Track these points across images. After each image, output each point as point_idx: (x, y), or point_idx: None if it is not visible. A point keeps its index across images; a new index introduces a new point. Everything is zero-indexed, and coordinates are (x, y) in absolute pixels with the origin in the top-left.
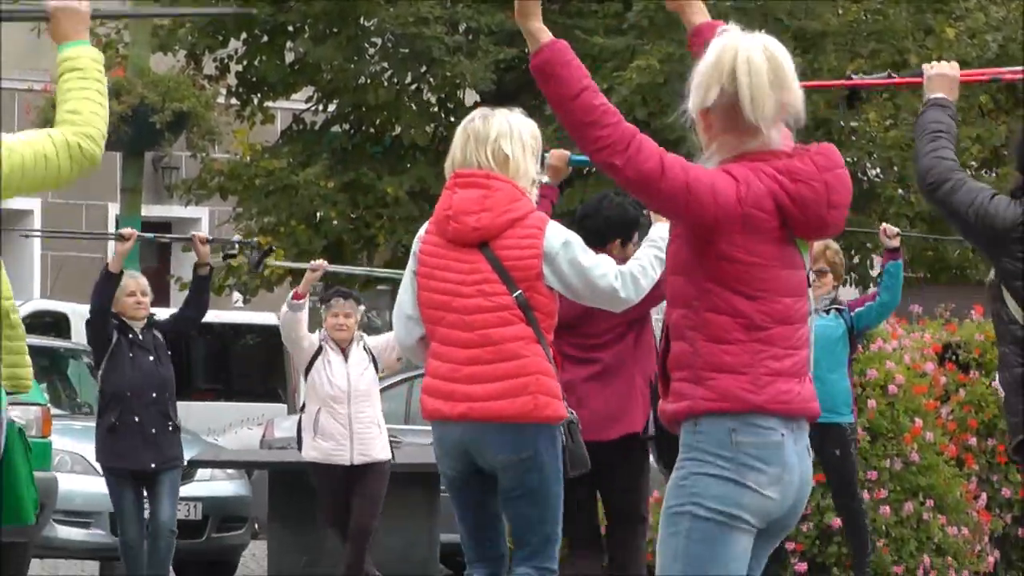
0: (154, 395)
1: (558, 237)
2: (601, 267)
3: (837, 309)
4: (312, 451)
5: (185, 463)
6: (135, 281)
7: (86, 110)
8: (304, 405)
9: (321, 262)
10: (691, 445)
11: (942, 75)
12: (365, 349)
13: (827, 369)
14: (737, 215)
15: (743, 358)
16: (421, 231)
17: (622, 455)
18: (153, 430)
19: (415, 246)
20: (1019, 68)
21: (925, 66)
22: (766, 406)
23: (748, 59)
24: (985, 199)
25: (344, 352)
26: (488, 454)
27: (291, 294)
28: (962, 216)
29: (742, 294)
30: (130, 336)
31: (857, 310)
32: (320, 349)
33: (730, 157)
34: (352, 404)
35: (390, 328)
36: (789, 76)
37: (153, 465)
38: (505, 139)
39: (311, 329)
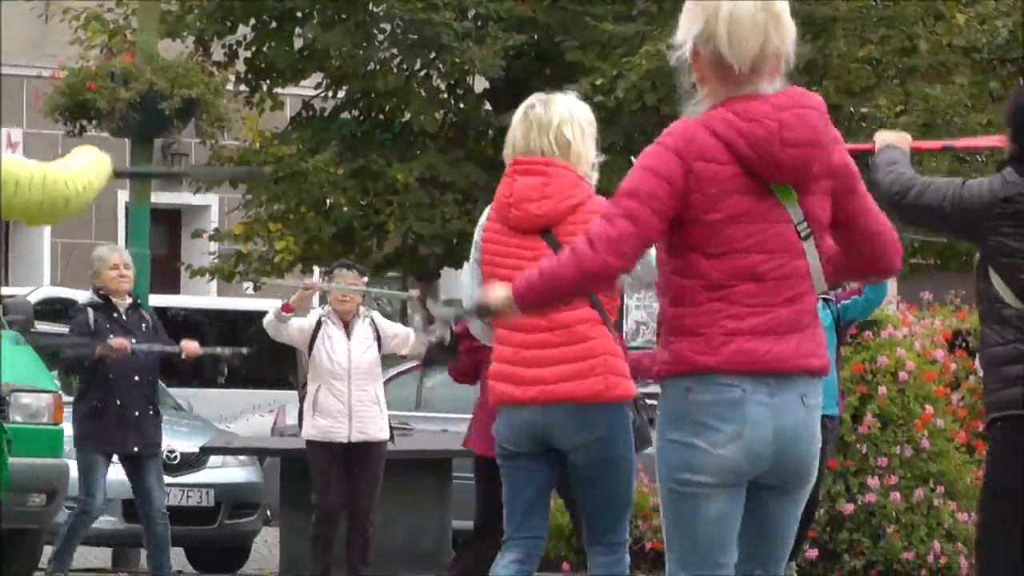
0: (136, 378)
1: None
2: None
3: (824, 299)
4: (310, 429)
5: (191, 451)
6: (118, 255)
7: (82, 168)
8: (309, 383)
9: (315, 281)
10: (659, 408)
11: (892, 134)
12: (372, 325)
13: None
14: (685, 173)
15: (700, 319)
16: (482, 219)
17: None
18: (136, 413)
19: (477, 235)
20: (972, 139)
21: (876, 135)
22: (721, 367)
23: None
24: (958, 187)
25: (347, 327)
26: (561, 435)
27: (280, 305)
28: (937, 211)
29: (703, 253)
30: (115, 315)
31: (843, 302)
32: (319, 325)
33: (718, 103)
34: (352, 381)
35: (400, 315)
36: (781, 17)
37: (136, 449)
38: (567, 125)
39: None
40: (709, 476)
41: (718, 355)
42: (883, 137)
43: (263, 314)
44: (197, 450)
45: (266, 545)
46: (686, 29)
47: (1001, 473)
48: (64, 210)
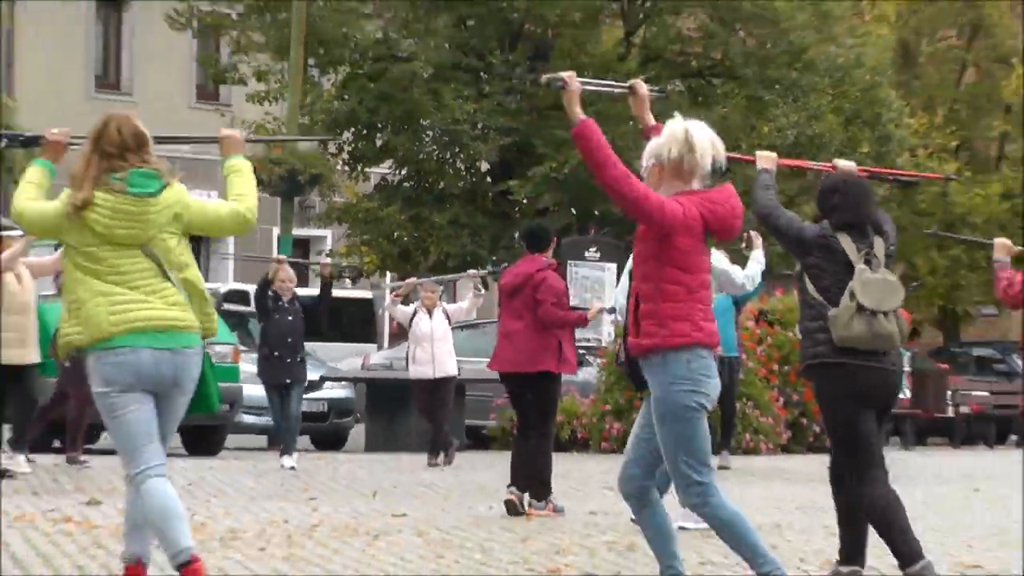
0: (290, 341)
1: None
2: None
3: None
4: (412, 371)
5: (314, 379)
6: (285, 271)
7: (247, 193)
8: (409, 344)
9: (411, 280)
10: (657, 374)
11: (767, 154)
12: (444, 311)
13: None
14: (683, 223)
15: (684, 308)
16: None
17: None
18: (288, 360)
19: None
20: (823, 163)
21: (758, 152)
22: (702, 340)
23: (696, 134)
24: (799, 223)
25: (430, 312)
26: None
27: (392, 294)
28: (785, 231)
29: (683, 270)
30: (280, 303)
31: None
32: (415, 312)
33: (673, 195)
34: (434, 342)
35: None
36: (716, 146)
37: (288, 380)
38: None
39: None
40: (707, 404)
41: (700, 332)
42: (761, 155)
43: (356, 300)
44: (318, 378)
45: (355, 436)
46: (662, 151)
47: (826, 397)
48: (238, 225)
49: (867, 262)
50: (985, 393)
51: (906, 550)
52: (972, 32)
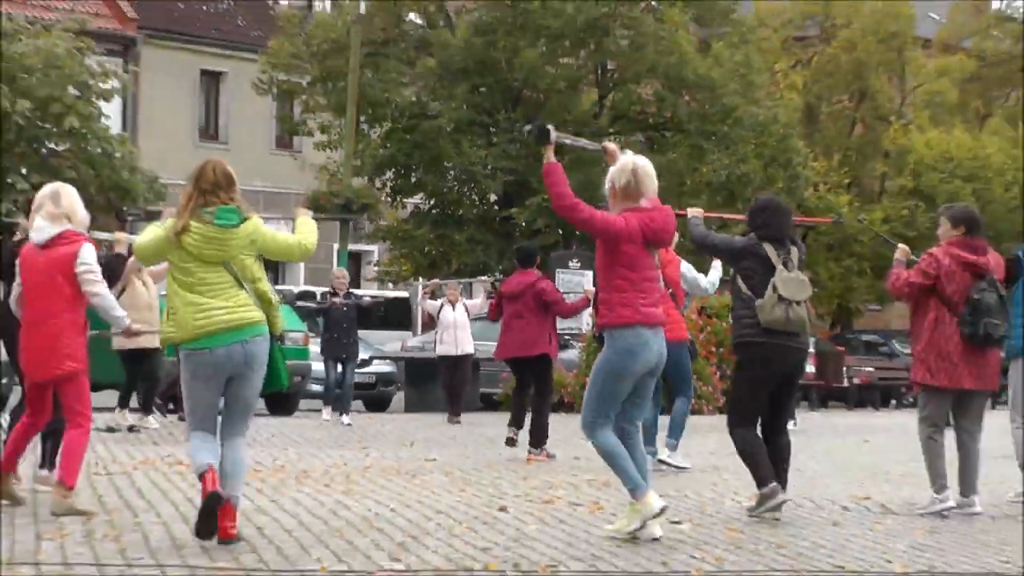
0: (344, 326)
1: None
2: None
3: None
4: (440, 350)
5: (365, 358)
6: (341, 271)
7: (308, 233)
8: (438, 329)
9: (436, 280)
10: (609, 342)
11: (696, 209)
12: (464, 305)
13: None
14: (625, 234)
15: (629, 297)
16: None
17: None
18: (343, 341)
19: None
20: (737, 215)
21: (688, 209)
22: (641, 321)
23: (644, 167)
24: (728, 238)
25: (453, 305)
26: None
27: (424, 290)
28: (720, 247)
29: (629, 268)
30: (335, 298)
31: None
32: (442, 305)
33: (624, 210)
34: (456, 328)
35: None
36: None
37: (344, 356)
38: None
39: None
40: (638, 371)
41: (640, 315)
42: (690, 210)
43: (396, 298)
44: (368, 357)
45: (396, 400)
46: (616, 178)
47: (746, 367)
48: (301, 253)
49: (784, 264)
50: (872, 369)
51: (761, 476)
52: (860, 97)
